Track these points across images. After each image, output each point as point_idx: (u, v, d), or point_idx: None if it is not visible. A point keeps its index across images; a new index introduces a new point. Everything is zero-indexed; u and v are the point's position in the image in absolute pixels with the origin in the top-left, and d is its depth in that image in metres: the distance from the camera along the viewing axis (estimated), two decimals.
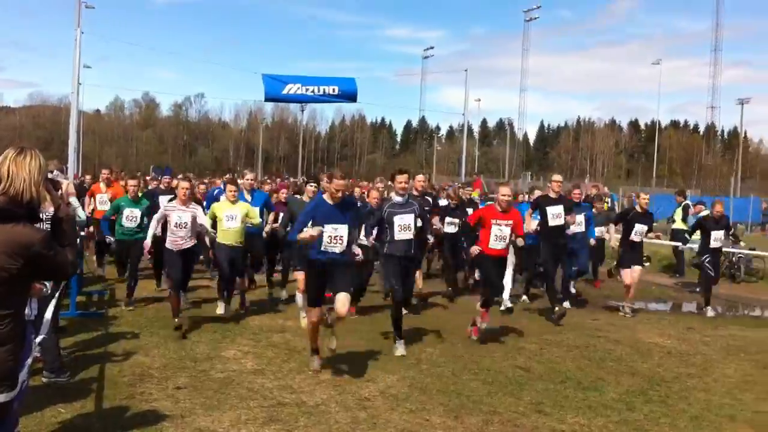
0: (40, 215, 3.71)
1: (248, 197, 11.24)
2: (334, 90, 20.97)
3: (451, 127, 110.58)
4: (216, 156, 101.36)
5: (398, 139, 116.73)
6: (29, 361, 3.73)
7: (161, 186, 14.60)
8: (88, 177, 20.63)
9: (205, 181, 20.43)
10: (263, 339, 9.00)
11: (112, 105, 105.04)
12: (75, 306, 9.97)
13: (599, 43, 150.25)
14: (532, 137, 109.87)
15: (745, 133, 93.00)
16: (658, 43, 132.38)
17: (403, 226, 8.74)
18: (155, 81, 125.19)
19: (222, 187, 13.09)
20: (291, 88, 20.28)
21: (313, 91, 20.80)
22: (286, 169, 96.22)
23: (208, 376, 7.21)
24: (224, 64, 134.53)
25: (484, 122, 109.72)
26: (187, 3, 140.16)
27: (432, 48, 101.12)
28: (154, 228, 9.86)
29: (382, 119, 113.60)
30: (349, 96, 21.84)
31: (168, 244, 9.65)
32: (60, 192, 3.88)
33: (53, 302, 4.72)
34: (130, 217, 11.17)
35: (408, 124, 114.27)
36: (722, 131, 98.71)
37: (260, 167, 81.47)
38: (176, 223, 9.55)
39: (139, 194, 11.90)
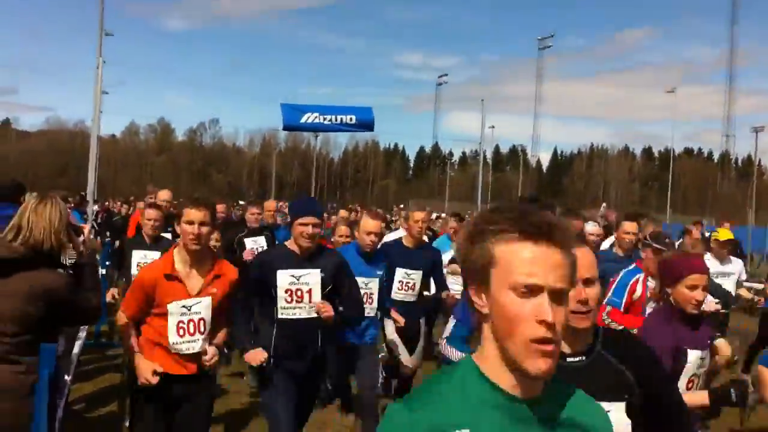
0: (63, 261, 3.71)
1: None
2: (351, 119, 20.96)
3: (464, 152, 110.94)
4: (230, 181, 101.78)
5: (411, 164, 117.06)
6: (61, 404, 3.68)
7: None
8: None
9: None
10: None
11: (127, 130, 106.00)
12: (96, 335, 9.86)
13: (612, 70, 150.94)
14: (545, 163, 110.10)
15: (759, 161, 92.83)
16: (671, 71, 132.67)
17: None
18: (171, 106, 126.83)
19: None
20: (309, 117, 20.30)
21: (330, 120, 20.79)
22: (298, 195, 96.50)
23: None
24: (238, 90, 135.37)
25: (497, 148, 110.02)
26: (202, 29, 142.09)
27: (446, 75, 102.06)
28: None
29: (396, 145, 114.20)
30: (366, 125, 21.81)
31: None
32: (82, 238, 3.87)
33: (80, 341, 4.70)
34: None
35: (421, 150, 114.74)
36: (736, 159, 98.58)
37: (273, 193, 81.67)
38: None
39: None
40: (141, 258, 6.84)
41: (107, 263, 10.07)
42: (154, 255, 6.36)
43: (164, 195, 9.53)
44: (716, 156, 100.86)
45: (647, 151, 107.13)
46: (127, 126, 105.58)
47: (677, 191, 79.06)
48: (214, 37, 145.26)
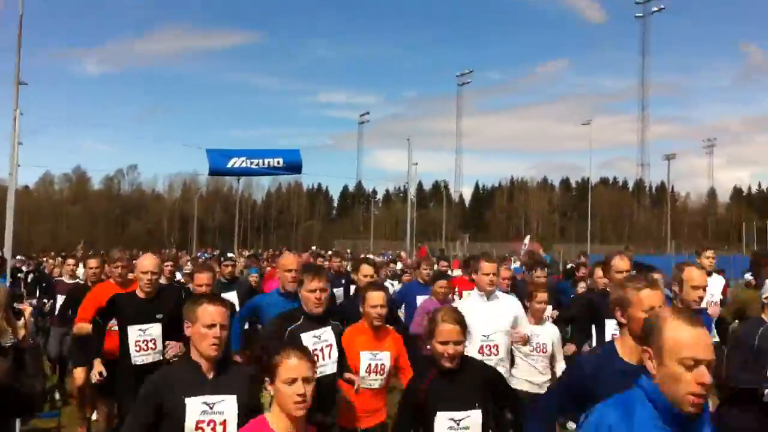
0: (2, 343, 3.40)
1: None
2: (278, 162, 20.74)
3: (387, 190, 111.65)
4: (149, 228, 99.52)
5: (335, 204, 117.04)
6: None
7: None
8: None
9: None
10: None
11: (41, 180, 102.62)
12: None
13: (530, 103, 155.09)
14: (467, 198, 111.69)
15: (672, 188, 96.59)
16: (586, 101, 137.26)
17: None
18: (87, 154, 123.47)
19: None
20: (236, 162, 20.01)
21: (258, 164, 20.54)
22: (221, 238, 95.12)
23: None
24: (158, 135, 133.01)
25: (420, 185, 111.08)
26: (120, 73, 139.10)
27: (367, 114, 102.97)
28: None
29: (319, 185, 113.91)
30: (294, 167, 21.68)
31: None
32: (23, 320, 3.55)
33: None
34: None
35: (345, 189, 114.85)
36: (650, 187, 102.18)
37: (195, 238, 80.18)
38: None
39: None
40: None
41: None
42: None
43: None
44: (631, 184, 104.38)
45: (565, 182, 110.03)
46: (41, 176, 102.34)
47: (596, 220, 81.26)
48: (133, 81, 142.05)
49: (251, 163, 19.84)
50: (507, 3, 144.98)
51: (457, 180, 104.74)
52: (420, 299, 8.86)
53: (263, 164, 20.01)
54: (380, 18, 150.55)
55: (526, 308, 6.87)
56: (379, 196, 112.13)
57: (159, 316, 6.33)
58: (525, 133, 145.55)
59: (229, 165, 19.71)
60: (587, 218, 67.50)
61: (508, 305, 6.47)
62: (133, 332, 6.26)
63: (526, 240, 52.37)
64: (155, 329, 6.31)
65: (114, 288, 7.19)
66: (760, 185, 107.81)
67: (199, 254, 42.71)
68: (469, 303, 6.35)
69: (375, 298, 5.62)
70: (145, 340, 6.25)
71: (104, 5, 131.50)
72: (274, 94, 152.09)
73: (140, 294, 6.46)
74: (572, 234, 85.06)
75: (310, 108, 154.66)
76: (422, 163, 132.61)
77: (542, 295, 7.12)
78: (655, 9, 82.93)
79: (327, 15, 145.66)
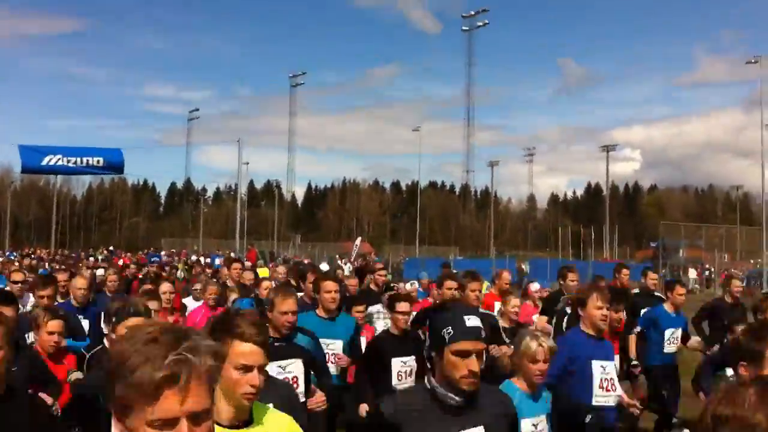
0: None
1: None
2: (98, 161, 19.74)
3: (218, 188, 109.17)
4: None
5: (162, 201, 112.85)
6: None
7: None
8: None
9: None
10: None
11: None
12: None
13: (363, 106, 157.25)
14: (300, 198, 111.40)
15: (496, 193, 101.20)
16: (417, 106, 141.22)
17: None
18: None
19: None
20: (51, 159, 18.80)
21: (75, 163, 19.40)
22: (36, 236, 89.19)
23: None
24: None
25: (251, 183, 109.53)
26: None
27: (197, 110, 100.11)
28: None
29: (145, 181, 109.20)
30: (115, 168, 20.76)
31: None
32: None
33: None
34: None
35: (173, 186, 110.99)
36: (476, 192, 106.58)
37: (8, 235, 74.61)
38: None
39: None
40: None
41: None
42: None
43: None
44: (458, 188, 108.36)
45: (396, 185, 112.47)
46: None
47: (424, 223, 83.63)
48: None
49: (68, 161, 18.73)
50: (342, 6, 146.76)
51: (290, 179, 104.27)
52: None
53: (82, 163, 18.96)
54: (213, 11, 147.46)
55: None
56: (210, 193, 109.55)
57: None
58: (358, 136, 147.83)
59: (44, 162, 18.53)
60: (416, 221, 69.28)
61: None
62: None
63: (357, 241, 53.02)
64: None
65: None
66: (575, 192, 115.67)
67: (8, 253, 39.34)
68: None
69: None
70: None
71: None
72: (98, 84, 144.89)
73: None
74: (402, 236, 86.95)
75: (137, 101, 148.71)
76: (255, 162, 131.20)
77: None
78: (480, 24, 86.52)
79: (155, 3, 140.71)
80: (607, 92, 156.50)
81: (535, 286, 10.54)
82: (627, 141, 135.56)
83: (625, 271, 10.56)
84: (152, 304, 5.01)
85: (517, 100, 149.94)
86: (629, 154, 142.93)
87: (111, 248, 59.19)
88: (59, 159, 18.95)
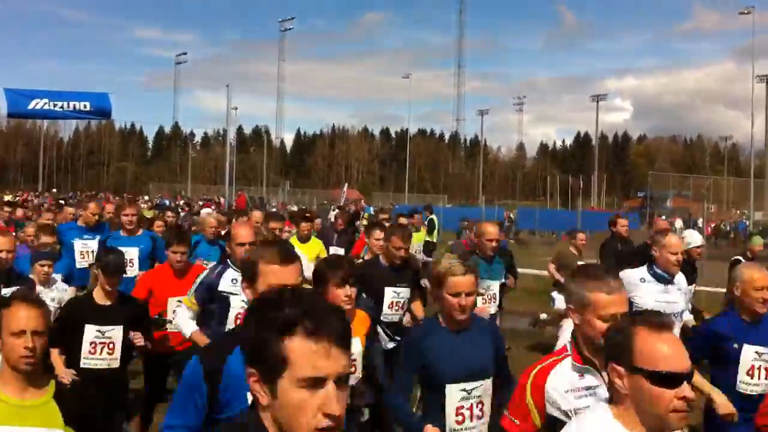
0: None
1: None
2: (85, 106, 19.48)
3: (206, 133, 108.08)
4: None
5: (150, 145, 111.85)
6: None
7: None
8: None
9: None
10: None
11: None
12: None
13: (353, 53, 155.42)
14: (289, 144, 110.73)
15: (485, 141, 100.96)
16: (407, 54, 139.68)
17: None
18: None
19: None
20: (38, 104, 18.58)
21: (62, 107, 19.17)
22: (24, 178, 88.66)
23: None
24: None
25: (240, 129, 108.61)
26: None
27: (185, 54, 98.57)
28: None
29: (132, 125, 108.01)
30: (103, 113, 20.54)
31: None
32: None
33: None
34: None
35: (161, 130, 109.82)
36: (465, 140, 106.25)
37: None
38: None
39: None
40: None
41: None
42: None
43: None
44: (447, 137, 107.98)
45: (385, 132, 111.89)
46: None
47: (413, 171, 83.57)
48: None
49: (55, 105, 18.54)
50: None
51: (279, 126, 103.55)
52: None
53: (68, 107, 18.76)
54: None
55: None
56: (198, 138, 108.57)
57: None
58: (347, 82, 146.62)
59: (31, 107, 18.34)
60: (405, 168, 69.21)
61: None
62: None
63: (345, 188, 53.05)
64: None
65: None
66: (564, 142, 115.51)
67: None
68: None
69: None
70: None
71: None
72: (85, 26, 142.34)
73: None
74: (391, 183, 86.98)
75: (124, 44, 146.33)
76: (243, 107, 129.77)
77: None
78: None
79: None
80: (599, 42, 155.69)
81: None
82: (618, 91, 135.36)
83: (622, 221, 10.10)
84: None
85: (509, 48, 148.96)
86: (620, 104, 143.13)
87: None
88: (45, 103, 18.75)
